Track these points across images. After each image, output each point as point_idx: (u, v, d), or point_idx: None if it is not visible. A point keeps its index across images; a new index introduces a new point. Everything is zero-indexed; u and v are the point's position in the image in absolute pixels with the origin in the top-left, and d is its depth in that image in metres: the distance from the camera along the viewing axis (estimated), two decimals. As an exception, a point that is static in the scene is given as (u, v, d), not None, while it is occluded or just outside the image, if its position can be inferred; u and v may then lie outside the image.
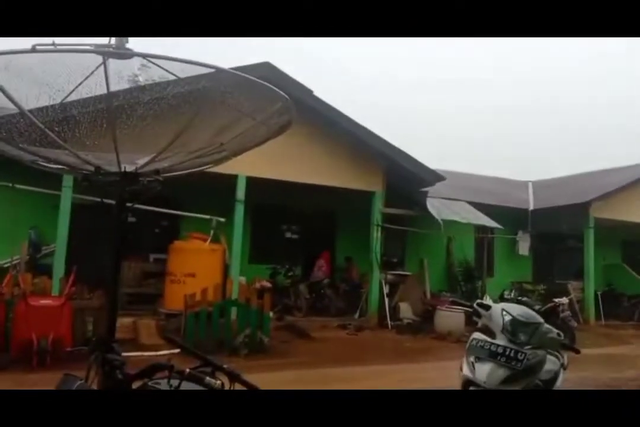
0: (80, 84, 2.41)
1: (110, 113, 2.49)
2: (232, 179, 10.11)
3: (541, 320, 2.65)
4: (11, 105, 2.38)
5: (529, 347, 2.55)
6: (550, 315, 9.55)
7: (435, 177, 11.97)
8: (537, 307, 7.68)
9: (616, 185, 14.74)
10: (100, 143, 2.72)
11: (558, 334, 2.65)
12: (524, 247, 15.25)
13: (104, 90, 2.45)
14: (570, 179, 18.28)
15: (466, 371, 2.60)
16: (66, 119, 2.58)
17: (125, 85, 2.60)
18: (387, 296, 11.85)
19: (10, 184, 9.24)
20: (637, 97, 49.47)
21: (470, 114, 50.00)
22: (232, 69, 3.02)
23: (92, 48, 2.37)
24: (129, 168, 2.73)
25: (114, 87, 2.47)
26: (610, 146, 38.21)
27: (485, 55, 56.59)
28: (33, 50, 2.16)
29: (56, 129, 2.60)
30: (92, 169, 2.75)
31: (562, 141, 45.96)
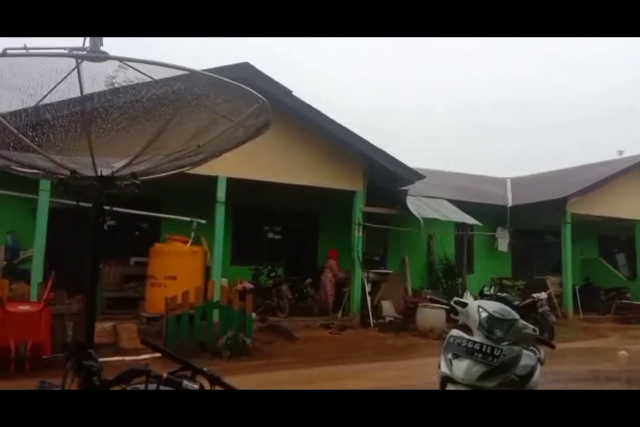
0: (53, 89, 2.39)
1: (85, 117, 2.47)
2: (212, 180, 10.07)
3: (517, 316, 2.70)
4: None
5: (505, 343, 2.59)
6: (530, 310, 9.72)
7: (415, 175, 12.06)
8: (516, 302, 7.74)
9: (592, 181, 15.00)
10: (75, 147, 2.70)
11: (534, 330, 2.70)
12: (503, 243, 15.43)
13: (77, 94, 2.43)
14: (547, 176, 18.55)
15: (444, 367, 2.64)
16: (40, 123, 2.56)
17: (100, 88, 2.58)
18: (370, 294, 11.90)
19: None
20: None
21: (459, 113, 50.33)
22: (208, 70, 3.01)
23: (65, 52, 2.35)
24: (105, 172, 2.71)
25: (88, 90, 2.45)
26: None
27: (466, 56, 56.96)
28: (4, 54, 2.13)
29: (30, 133, 2.57)
30: (68, 173, 2.73)
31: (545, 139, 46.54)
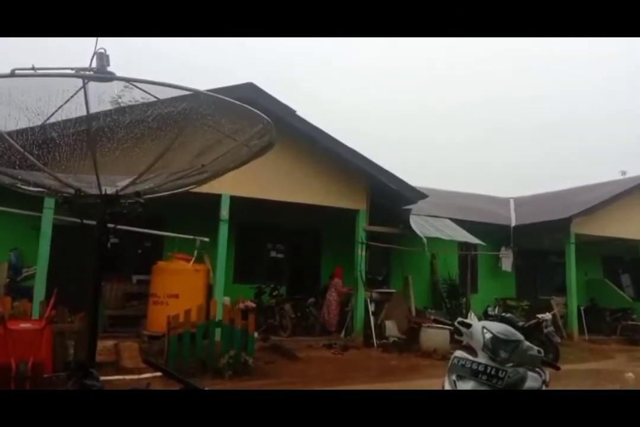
0: (59, 108, 2.41)
1: (90, 136, 2.50)
2: (215, 198, 10.10)
3: (521, 337, 2.67)
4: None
5: (510, 364, 2.56)
6: (534, 331, 9.60)
7: (418, 194, 12.08)
8: (520, 323, 7.67)
9: (595, 202, 14.98)
10: (80, 165, 2.72)
11: (538, 351, 2.67)
12: (507, 263, 15.37)
13: (83, 113, 2.46)
14: (551, 196, 18.54)
15: (448, 389, 2.61)
16: (46, 142, 2.58)
17: (106, 108, 2.61)
18: (373, 314, 11.82)
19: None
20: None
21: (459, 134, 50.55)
22: (214, 90, 3.04)
23: (72, 72, 2.38)
24: (110, 190, 2.73)
25: (94, 110, 2.48)
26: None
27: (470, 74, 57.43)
28: (12, 74, 2.16)
29: (36, 152, 2.60)
30: (73, 191, 2.75)
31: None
